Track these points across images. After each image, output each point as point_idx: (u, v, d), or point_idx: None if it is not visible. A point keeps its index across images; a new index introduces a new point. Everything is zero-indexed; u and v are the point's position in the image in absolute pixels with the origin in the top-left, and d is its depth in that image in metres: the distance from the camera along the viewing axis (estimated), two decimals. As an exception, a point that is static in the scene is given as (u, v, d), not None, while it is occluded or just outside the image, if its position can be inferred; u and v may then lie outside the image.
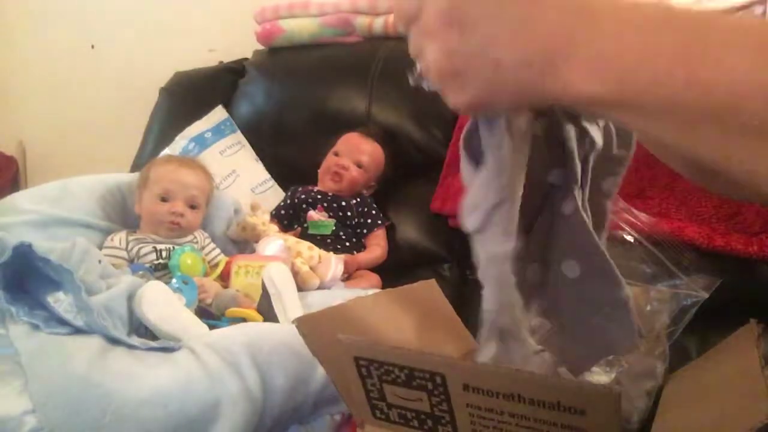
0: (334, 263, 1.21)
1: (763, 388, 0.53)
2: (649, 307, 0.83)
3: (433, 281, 0.64)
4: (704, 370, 0.71)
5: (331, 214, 1.42)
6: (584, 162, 0.49)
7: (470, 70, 0.38)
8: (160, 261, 1.12)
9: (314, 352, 0.56)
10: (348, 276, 1.31)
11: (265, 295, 1.01)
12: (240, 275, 1.09)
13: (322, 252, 1.24)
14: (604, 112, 0.39)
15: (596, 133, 0.48)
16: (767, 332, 0.64)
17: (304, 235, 1.36)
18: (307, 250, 1.22)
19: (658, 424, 0.65)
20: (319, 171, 1.50)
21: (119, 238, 1.14)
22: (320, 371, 0.79)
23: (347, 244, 1.40)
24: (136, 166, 1.73)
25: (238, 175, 1.64)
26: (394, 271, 1.37)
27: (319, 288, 1.17)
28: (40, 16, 2.33)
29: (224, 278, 1.14)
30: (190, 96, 1.87)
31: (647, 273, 0.87)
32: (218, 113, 1.75)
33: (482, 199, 0.44)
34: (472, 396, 0.48)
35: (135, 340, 0.81)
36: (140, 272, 1.04)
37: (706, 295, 0.83)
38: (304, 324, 0.55)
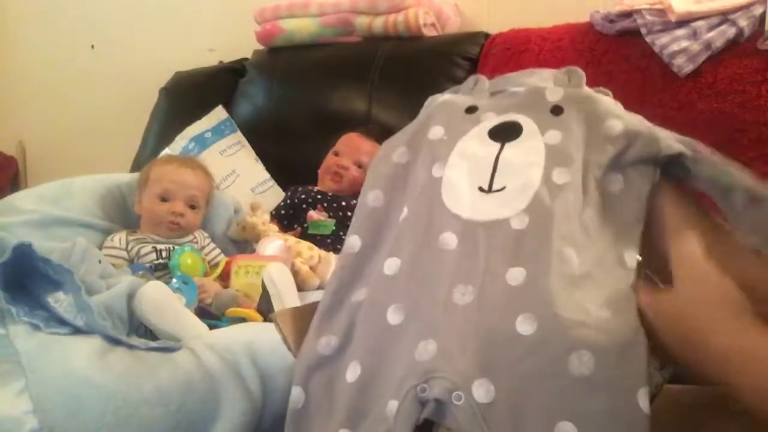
0: (334, 263, 1.20)
1: None
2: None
3: None
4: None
5: (331, 214, 1.42)
6: None
7: None
8: (160, 261, 1.12)
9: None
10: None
11: (265, 295, 1.01)
12: (240, 275, 1.09)
13: (322, 252, 1.24)
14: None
15: None
16: None
17: (304, 235, 1.36)
18: (307, 250, 1.22)
19: None
20: (319, 171, 1.50)
21: (119, 238, 1.14)
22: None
23: (347, 244, 1.39)
24: (136, 166, 1.73)
25: (238, 175, 1.64)
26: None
27: (319, 288, 1.17)
28: (40, 16, 2.33)
29: (224, 278, 1.14)
30: (190, 96, 1.87)
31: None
32: (218, 113, 1.75)
33: None
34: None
35: (135, 340, 0.81)
36: (140, 272, 1.04)
37: None
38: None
